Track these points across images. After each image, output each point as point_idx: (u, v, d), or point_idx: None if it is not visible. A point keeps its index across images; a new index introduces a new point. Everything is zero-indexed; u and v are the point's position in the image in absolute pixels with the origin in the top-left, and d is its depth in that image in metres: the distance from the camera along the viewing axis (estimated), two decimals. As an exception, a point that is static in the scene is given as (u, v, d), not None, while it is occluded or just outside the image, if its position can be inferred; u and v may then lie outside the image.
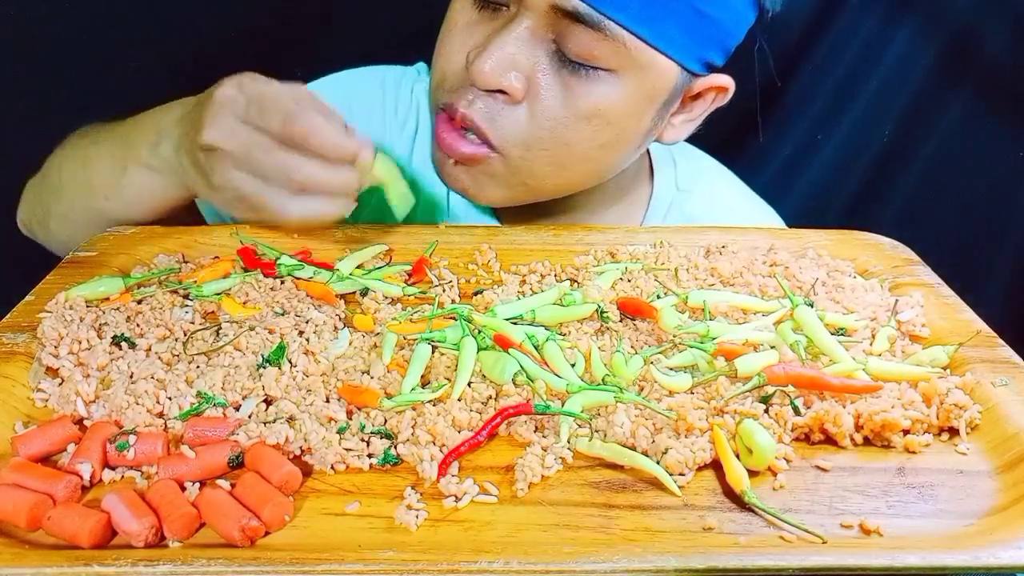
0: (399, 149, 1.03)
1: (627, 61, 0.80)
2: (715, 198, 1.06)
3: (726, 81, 0.89)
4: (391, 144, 1.02)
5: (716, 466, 0.60)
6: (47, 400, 0.65)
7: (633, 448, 0.60)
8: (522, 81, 0.81)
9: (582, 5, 0.77)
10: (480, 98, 0.82)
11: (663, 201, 1.04)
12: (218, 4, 1.35)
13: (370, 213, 0.99)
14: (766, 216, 1.10)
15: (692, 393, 0.66)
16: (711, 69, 0.87)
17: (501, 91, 0.81)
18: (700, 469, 0.60)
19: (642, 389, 0.67)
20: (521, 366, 0.67)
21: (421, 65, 1.09)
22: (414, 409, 0.63)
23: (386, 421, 0.63)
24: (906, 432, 0.63)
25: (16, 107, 1.36)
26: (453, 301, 0.79)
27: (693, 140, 1.12)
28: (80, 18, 1.34)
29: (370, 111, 1.03)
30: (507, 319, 0.74)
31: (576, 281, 0.83)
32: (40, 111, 1.34)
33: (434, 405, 0.64)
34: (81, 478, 0.57)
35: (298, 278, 0.80)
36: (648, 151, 1.05)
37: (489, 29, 0.82)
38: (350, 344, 0.72)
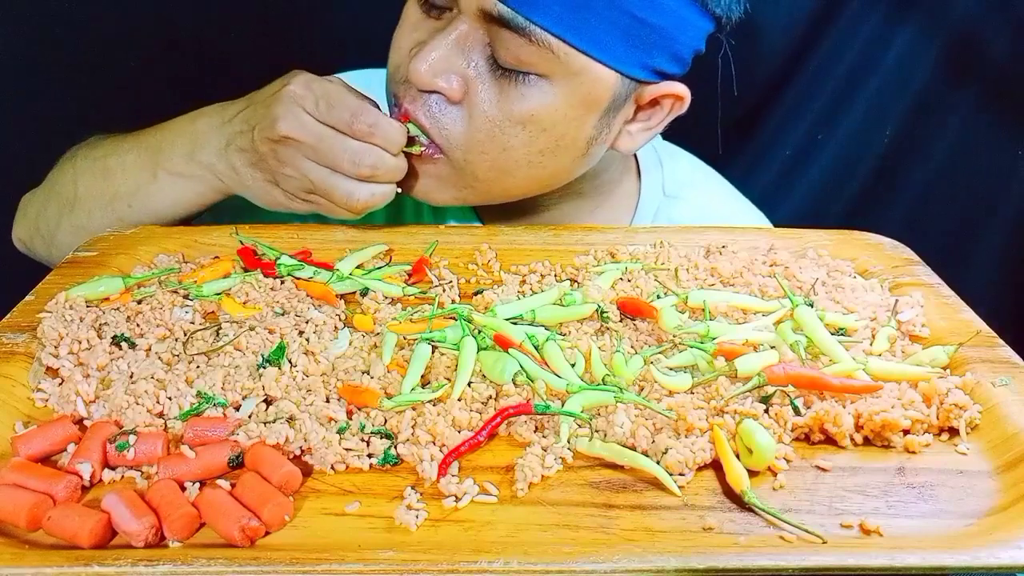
0: None
1: (558, 67, 0.80)
2: (703, 204, 1.05)
3: (681, 90, 0.87)
4: None
5: (716, 466, 0.60)
6: (47, 400, 0.65)
7: (633, 448, 0.60)
8: (458, 83, 0.82)
9: (507, 10, 0.77)
10: (422, 96, 0.83)
11: (650, 206, 1.03)
12: (220, 4, 1.36)
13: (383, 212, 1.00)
14: (755, 221, 1.09)
15: (692, 393, 0.66)
16: (664, 76, 0.85)
17: (437, 92, 0.83)
18: (700, 469, 0.60)
19: (642, 389, 0.67)
20: (521, 366, 0.67)
21: None
22: (414, 409, 0.63)
23: (386, 421, 0.63)
24: (906, 432, 0.63)
25: (16, 112, 1.36)
26: (453, 301, 0.79)
27: (691, 141, 1.12)
28: (79, 19, 1.34)
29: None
30: (507, 319, 0.74)
31: (576, 281, 0.83)
32: (40, 116, 1.34)
33: (434, 405, 0.64)
34: (81, 478, 0.57)
35: (298, 278, 0.81)
36: (635, 154, 1.04)
37: (432, 30, 0.83)
38: (350, 344, 0.72)
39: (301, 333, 0.72)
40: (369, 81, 1.04)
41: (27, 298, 0.76)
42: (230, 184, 0.88)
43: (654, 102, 0.88)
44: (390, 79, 0.88)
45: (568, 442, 0.61)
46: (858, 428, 0.63)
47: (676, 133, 0.97)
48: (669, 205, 1.03)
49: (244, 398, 0.65)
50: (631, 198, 1.04)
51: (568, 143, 0.85)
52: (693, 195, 1.05)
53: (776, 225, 1.00)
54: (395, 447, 0.61)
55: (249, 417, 0.63)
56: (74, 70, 1.36)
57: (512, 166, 0.85)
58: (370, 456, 0.60)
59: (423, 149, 0.85)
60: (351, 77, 1.06)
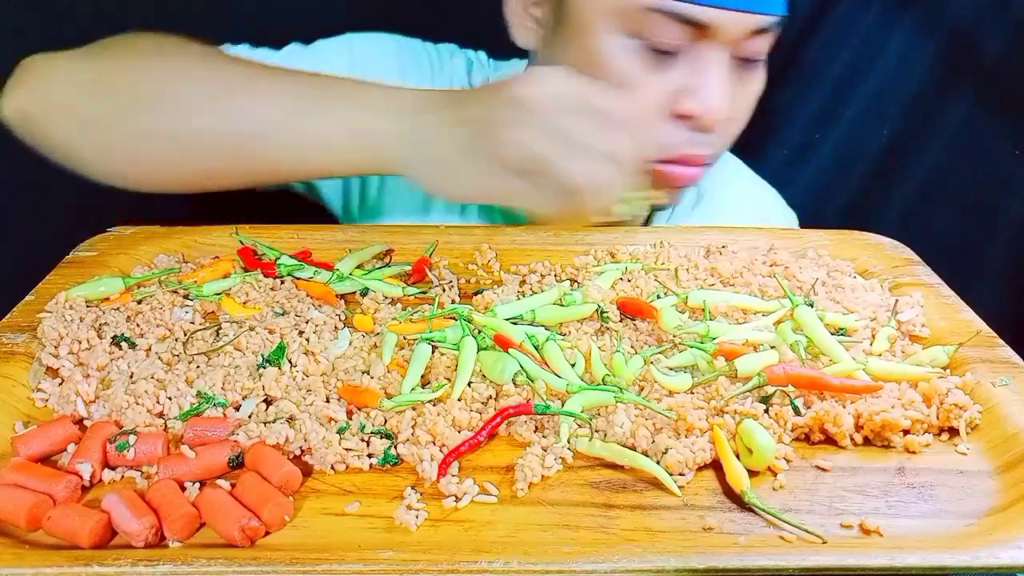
0: None
1: (772, 41, 0.88)
2: (726, 175, 1.09)
3: None
4: None
5: (716, 466, 0.60)
6: (47, 400, 0.65)
7: (633, 448, 0.60)
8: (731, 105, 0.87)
9: (768, 19, 0.84)
10: (703, 135, 0.87)
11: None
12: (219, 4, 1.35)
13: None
14: (771, 195, 1.14)
15: (692, 393, 0.66)
16: None
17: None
18: (700, 469, 0.60)
19: (642, 389, 0.67)
20: (521, 366, 0.67)
21: (452, 46, 1.09)
22: (414, 409, 0.63)
23: (386, 421, 0.63)
24: (906, 432, 0.63)
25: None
26: (453, 301, 0.79)
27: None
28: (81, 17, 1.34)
29: (418, 77, 1.03)
30: (507, 319, 0.74)
31: (576, 281, 0.83)
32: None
33: (434, 405, 0.64)
34: (81, 478, 0.57)
35: (298, 278, 0.80)
36: None
37: (676, 75, 0.85)
38: (350, 344, 0.72)
39: (301, 333, 0.72)
40: (413, 48, 1.04)
41: (27, 298, 0.76)
42: (424, 154, 0.78)
43: None
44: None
45: (568, 442, 0.61)
46: (858, 428, 0.63)
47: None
48: (708, 187, 1.07)
49: (244, 398, 0.65)
50: None
51: None
52: (719, 170, 1.07)
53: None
54: (395, 447, 0.61)
55: (249, 417, 0.63)
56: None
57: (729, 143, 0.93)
58: (370, 456, 0.60)
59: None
60: (388, 38, 1.05)
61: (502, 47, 1.01)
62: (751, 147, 1.44)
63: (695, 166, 0.89)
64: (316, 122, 0.79)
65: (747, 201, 1.10)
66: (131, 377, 0.66)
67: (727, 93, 0.85)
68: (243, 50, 0.98)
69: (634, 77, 0.85)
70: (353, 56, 0.99)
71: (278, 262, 0.82)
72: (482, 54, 1.09)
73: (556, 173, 0.74)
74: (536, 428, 0.63)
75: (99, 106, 0.82)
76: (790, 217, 1.13)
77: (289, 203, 1.05)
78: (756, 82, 0.90)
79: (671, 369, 0.69)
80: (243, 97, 0.81)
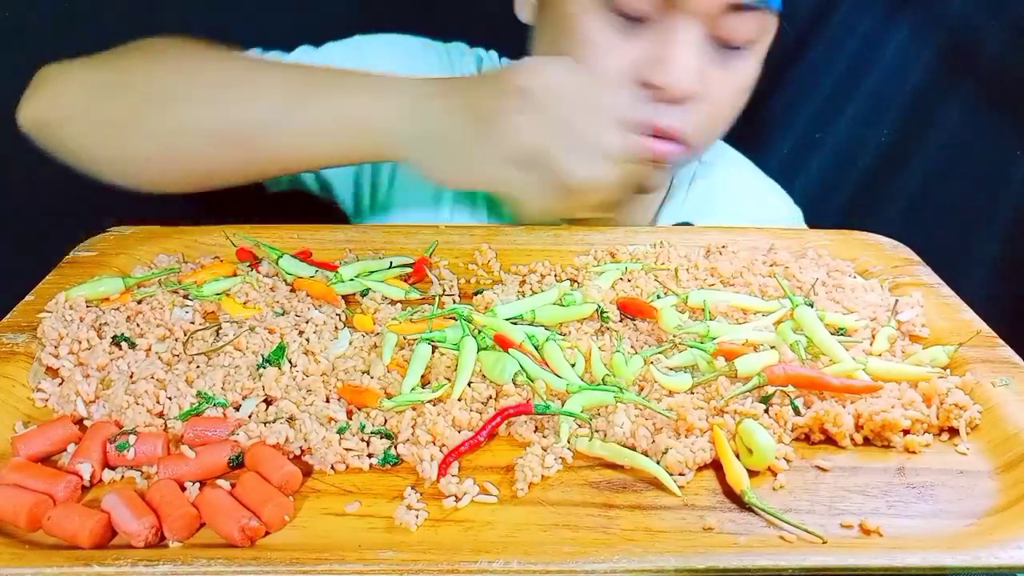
0: None
1: (763, 32, 0.87)
2: (733, 172, 1.11)
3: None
4: None
5: (716, 466, 0.60)
6: (47, 400, 0.65)
7: (633, 448, 0.60)
8: (701, 78, 0.85)
9: None
10: (670, 107, 0.85)
11: (686, 174, 1.07)
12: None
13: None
14: (777, 191, 1.14)
15: (692, 393, 0.66)
16: None
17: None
18: (700, 469, 0.60)
19: (642, 389, 0.67)
20: (521, 366, 0.67)
21: (462, 45, 1.09)
22: (414, 409, 0.63)
23: (386, 421, 0.63)
24: (906, 432, 0.63)
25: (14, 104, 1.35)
26: (453, 301, 0.79)
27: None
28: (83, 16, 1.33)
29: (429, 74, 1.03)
30: (507, 319, 0.74)
31: (576, 281, 0.83)
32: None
33: (434, 405, 0.64)
34: (81, 478, 0.57)
35: (299, 277, 0.80)
36: None
37: (646, 44, 0.84)
38: (350, 344, 0.72)
39: (301, 333, 0.72)
40: (423, 48, 1.04)
41: (27, 298, 0.76)
42: (419, 142, 0.79)
43: None
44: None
45: (568, 442, 0.61)
46: (858, 428, 0.63)
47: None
48: (705, 170, 1.08)
49: (244, 398, 0.65)
50: None
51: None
52: (723, 165, 1.11)
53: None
54: (395, 447, 0.61)
55: (249, 417, 0.63)
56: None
57: (723, 129, 0.93)
58: (370, 456, 0.60)
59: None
60: (398, 39, 1.05)
61: (513, 46, 1.01)
62: (752, 146, 1.45)
63: (671, 141, 0.87)
64: (314, 110, 0.80)
65: (754, 198, 1.11)
66: (131, 377, 0.66)
67: (693, 67, 0.83)
68: (254, 54, 0.98)
69: (603, 43, 0.85)
70: (362, 58, 0.99)
71: (279, 262, 0.82)
72: (493, 53, 1.09)
73: (555, 166, 0.75)
74: (536, 428, 0.63)
75: (110, 108, 0.84)
76: (797, 215, 1.13)
77: (289, 203, 1.05)
78: (743, 72, 0.88)
79: (671, 369, 0.69)
80: (244, 89, 0.82)
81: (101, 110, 0.84)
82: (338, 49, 1.01)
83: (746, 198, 1.10)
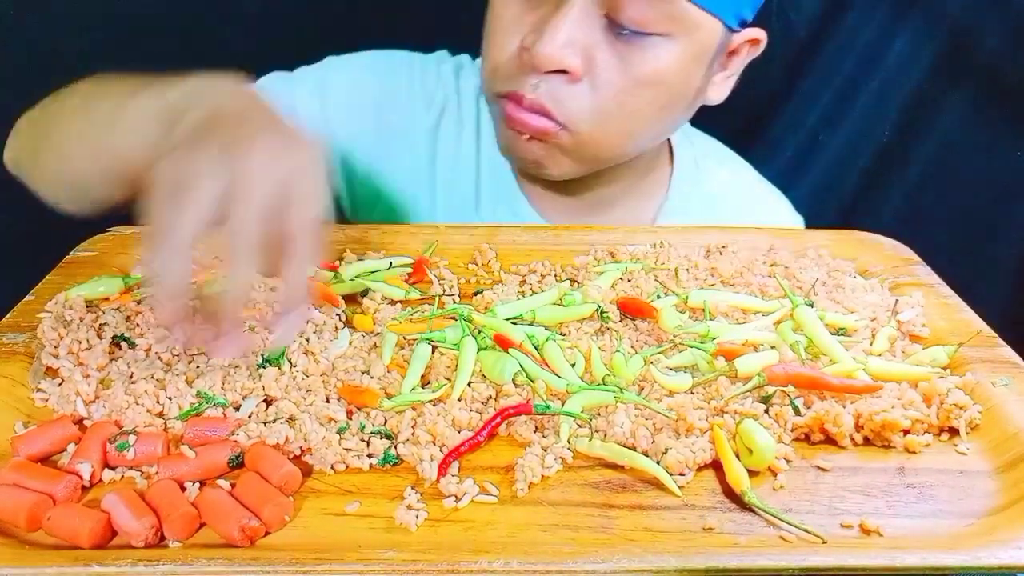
0: (419, 135, 1.04)
1: (677, 24, 0.82)
2: (733, 177, 1.10)
3: (759, 33, 0.91)
4: (409, 129, 1.03)
5: (716, 466, 0.60)
6: (47, 400, 0.65)
7: (633, 448, 0.60)
8: (581, 58, 0.83)
9: None
10: (543, 81, 0.84)
11: (685, 176, 1.06)
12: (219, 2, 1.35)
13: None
14: (779, 198, 1.13)
15: (692, 393, 0.66)
16: (744, 25, 0.89)
17: (562, 71, 0.83)
18: (700, 469, 0.60)
19: (642, 389, 0.67)
20: (521, 366, 0.67)
21: (443, 52, 1.10)
22: (414, 409, 0.63)
23: (386, 421, 0.63)
24: (906, 432, 0.63)
25: (14, 107, 1.35)
26: (453, 301, 0.79)
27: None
28: (80, 16, 1.33)
29: (395, 93, 1.04)
30: (507, 319, 0.74)
31: (576, 281, 0.83)
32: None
33: (434, 405, 0.64)
34: (81, 478, 0.57)
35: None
36: None
37: (539, 15, 0.84)
38: (350, 344, 0.72)
39: (301, 333, 0.72)
40: (391, 64, 1.05)
41: (27, 298, 0.76)
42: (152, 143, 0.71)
43: (734, 51, 0.92)
44: (491, 78, 0.89)
45: (568, 442, 0.61)
46: (858, 428, 0.63)
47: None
48: (701, 176, 1.07)
49: (244, 398, 0.65)
50: (666, 171, 1.07)
51: (681, 98, 0.89)
52: (724, 168, 1.10)
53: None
54: (395, 447, 0.61)
55: (249, 417, 0.63)
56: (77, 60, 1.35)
57: (636, 128, 0.89)
58: (370, 456, 0.60)
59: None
60: (365, 59, 1.05)
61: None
62: (755, 147, 1.45)
63: (547, 118, 0.85)
64: (128, 122, 0.76)
65: (756, 203, 1.10)
66: (131, 377, 0.66)
67: (566, 39, 0.81)
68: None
69: (506, 16, 0.86)
70: (324, 87, 1.02)
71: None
72: (479, 61, 1.09)
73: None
74: (536, 428, 0.63)
75: (30, 146, 0.89)
76: (797, 222, 1.12)
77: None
78: (646, 63, 0.83)
79: (671, 369, 0.69)
80: (93, 116, 0.82)
81: (30, 142, 0.90)
82: (310, 73, 1.03)
83: (748, 203, 1.09)
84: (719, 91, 0.95)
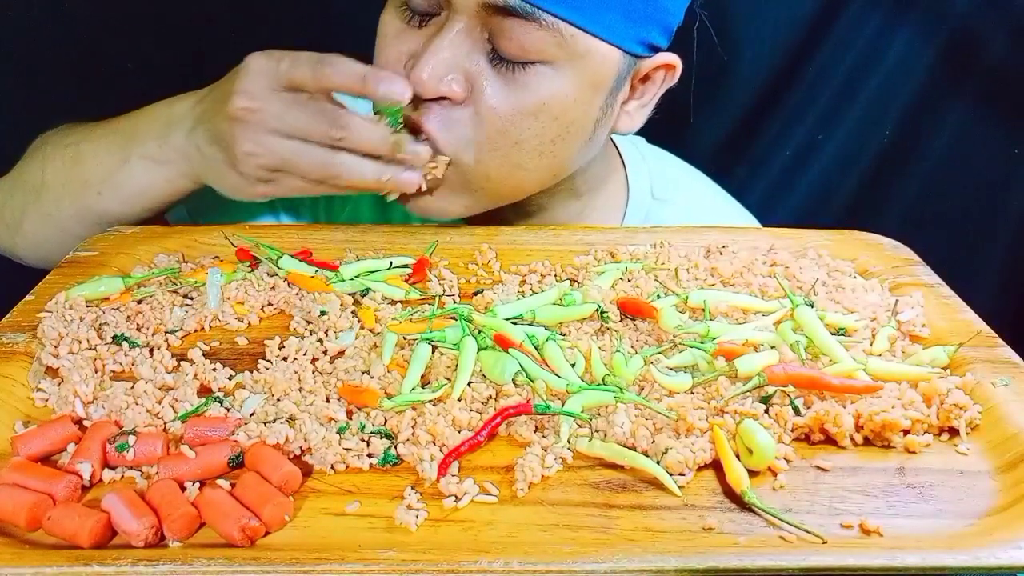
0: None
1: (564, 52, 0.79)
2: (692, 207, 1.04)
3: (672, 59, 0.87)
4: None
5: (716, 466, 0.60)
6: (47, 400, 0.65)
7: (633, 448, 0.60)
8: (462, 84, 0.80)
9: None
10: (425, 106, 0.81)
11: (639, 210, 1.02)
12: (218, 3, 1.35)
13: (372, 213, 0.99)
14: (742, 221, 1.09)
15: (692, 393, 0.66)
16: (655, 50, 0.86)
17: (443, 97, 0.81)
18: (700, 469, 0.60)
19: (642, 389, 0.67)
20: (521, 366, 0.67)
21: None
22: (414, 409, 0.63)
23: (386, 421, 0.63)
24: (906, 432, 0.63)
25: (11, 110, 1.35)
26: (453, 301, 0.79)
27: (687, 143, 1.12)
28: (77, 17, 1.34)
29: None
30: (507, 319, 0.74)
31: (576, 281, 0.83)
32: (35, 114, 1.33)
33: (434, 405, 0.64)
34: (81, 478, 0.57)
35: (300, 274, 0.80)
36: (619, 152, 1.04)
37: (422, 37, 0.82)
38: (356, 337, 0.72)
39: (309, 323, 0.72)
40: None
41: (27, 298, 0.76)
42: (196, 168, 0.85)
43: (646, 77, 0.88)
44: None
45: (568, 442, 0.61)
46: (858, 428, 0.63)
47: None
48: (659, 208, 1.03)
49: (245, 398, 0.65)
50: (619, 197, 1.03)
51: (577, 129, 0.85)
52: (682, 198, 1.05)
53: (776, 225, 1.01)
54: (395, 447, 0.61)
55: (249, 417, 0.63)
56: (66, 69, 1.35)
57: (524, 159, 0.84)
58: (370, 456, 0.60)
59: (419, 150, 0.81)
60: None
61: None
62: (754, 149, 1.45)
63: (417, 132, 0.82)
64: (126, 169, 0.87)
65: (699, 212, 1.04)
66: (131, 379, 0.66)
67: (439, 64, 0.78)
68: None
69: (388, 34, 0.84)
70: None
71: (279, 262, 0.82)
72: None
73: (297, 170, 0.79)
74: (536, 428, 0.63)
75: (10, 211, 0.95)
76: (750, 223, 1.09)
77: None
78: (530, 92, 0.80)
79: (671, 369, 0.69)
80: (70, 165, 0.90)
81: (7, 214, 0.95)
82: None
83: (696, 210, 1.04)
84: (631, 121, 0.91)
